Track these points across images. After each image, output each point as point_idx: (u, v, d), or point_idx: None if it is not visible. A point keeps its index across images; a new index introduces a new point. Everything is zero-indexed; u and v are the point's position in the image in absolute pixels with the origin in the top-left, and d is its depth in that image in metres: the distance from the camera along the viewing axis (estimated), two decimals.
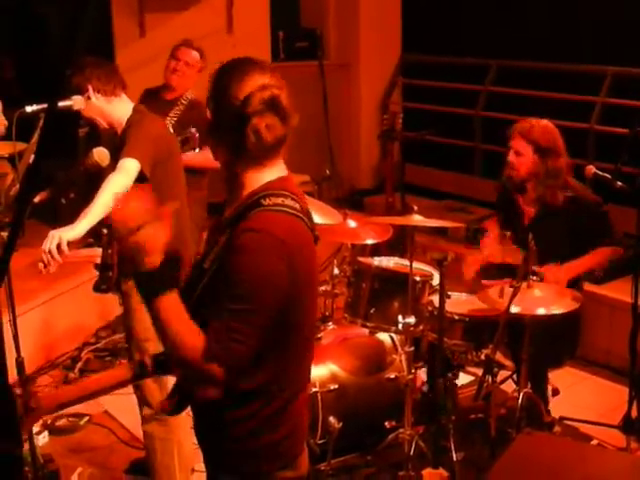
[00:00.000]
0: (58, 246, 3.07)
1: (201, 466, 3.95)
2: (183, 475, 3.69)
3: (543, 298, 3.59)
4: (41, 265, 3.11)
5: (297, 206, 2.12)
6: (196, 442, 2.40)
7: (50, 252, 3.04)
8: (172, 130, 4.68)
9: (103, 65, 3.57)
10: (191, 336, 2.02)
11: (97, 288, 3.41)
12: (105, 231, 3.35)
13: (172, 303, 2.03)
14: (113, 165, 3.36)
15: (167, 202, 3.31)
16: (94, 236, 3.49)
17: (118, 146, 3.45)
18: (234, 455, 2.23)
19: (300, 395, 2.26)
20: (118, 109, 3.55)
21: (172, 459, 3.65)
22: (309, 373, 2.34)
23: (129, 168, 3.34)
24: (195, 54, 4.94)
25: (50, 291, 5.11)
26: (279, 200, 2.09)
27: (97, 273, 3.27)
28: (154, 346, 3.51)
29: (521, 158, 3.94)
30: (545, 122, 3.99)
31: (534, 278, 3.63)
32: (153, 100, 4.92)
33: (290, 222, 2.09)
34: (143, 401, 3.66)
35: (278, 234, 2.03)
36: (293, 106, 2.13)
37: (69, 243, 3.11)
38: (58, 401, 2.43)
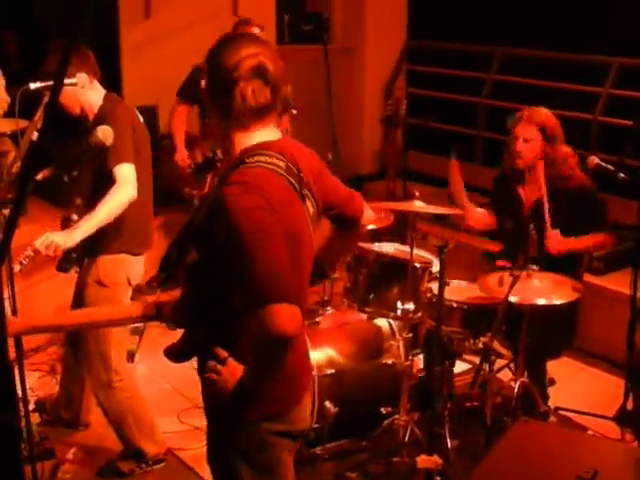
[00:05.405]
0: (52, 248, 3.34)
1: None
2: (146, 439, 3.84)
3: (542, 288, 3.60)
4: (17, 267, 3.29)
5: (282, 164, 2.20)
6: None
7: (48, 255, 3.35)
8: None
9: (79, 52, 3.51)
10: None
11: (60, 267, 3.61)
12: (75, 217, 3.43)
13: None
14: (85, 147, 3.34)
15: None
16: (63, 221, 3.59)
17: (88, 130, 3.43)
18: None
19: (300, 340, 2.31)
20: (90, 96, 3.59)
21: (130, 429, 3.81)
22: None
23: (127, 176, 3.43)
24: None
25: (52, 268, 5.10)
26: (262, 158, 2.18)
27: None
28: None
29: (529, 144, 3.92)
30: (545, 109, 4.00)
31: (533, 267, 3.63)
32: None
33: (269, 176, 2.16)
34: (91, 378, 3.83)
35: (255, 183, 2.11)
36: (284, 77, 2.23)
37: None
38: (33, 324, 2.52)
